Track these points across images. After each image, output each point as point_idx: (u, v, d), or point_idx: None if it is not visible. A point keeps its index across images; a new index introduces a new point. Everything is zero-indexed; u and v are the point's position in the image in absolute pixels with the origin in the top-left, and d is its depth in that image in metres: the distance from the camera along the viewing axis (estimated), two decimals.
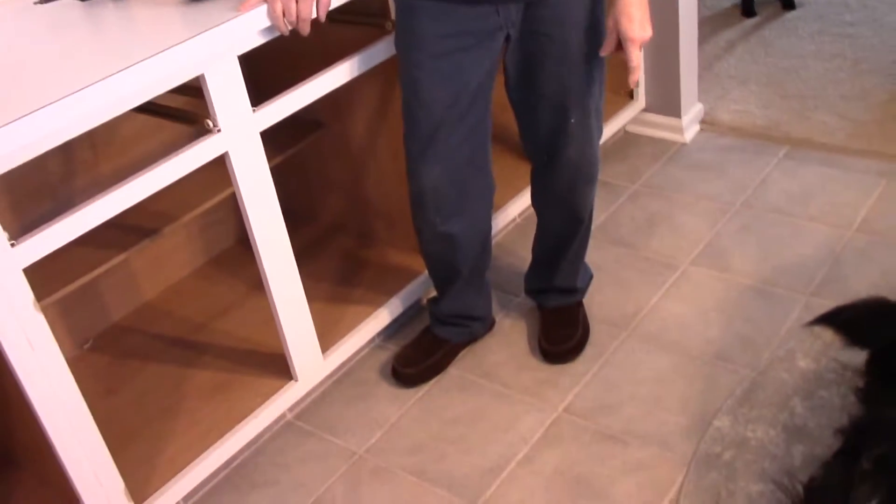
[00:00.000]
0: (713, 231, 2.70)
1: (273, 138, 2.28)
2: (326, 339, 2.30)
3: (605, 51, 1.92)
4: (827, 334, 2.23)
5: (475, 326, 2.38)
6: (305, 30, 1.84)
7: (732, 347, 2.28)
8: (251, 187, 1.94)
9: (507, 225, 2.82)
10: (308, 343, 2.19)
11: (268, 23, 1.82)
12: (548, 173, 2.19)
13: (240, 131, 1.87)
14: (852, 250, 2.54)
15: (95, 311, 2.46)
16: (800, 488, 1.85)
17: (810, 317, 2.28)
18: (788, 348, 2.23)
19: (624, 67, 1.90)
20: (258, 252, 2.01)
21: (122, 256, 2.15)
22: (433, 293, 2.40)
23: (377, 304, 2.43)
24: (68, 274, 2.05)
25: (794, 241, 2.61)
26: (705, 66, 3.52)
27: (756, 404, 2.09)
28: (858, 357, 2.13)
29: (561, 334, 2.35)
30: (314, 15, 1.84)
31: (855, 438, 1.51)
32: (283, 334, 2.13)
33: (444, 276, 2.29)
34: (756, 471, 1.94)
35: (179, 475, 1.99)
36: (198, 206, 2.26)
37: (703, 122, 3.23)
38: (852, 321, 2.22)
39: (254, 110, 1.89)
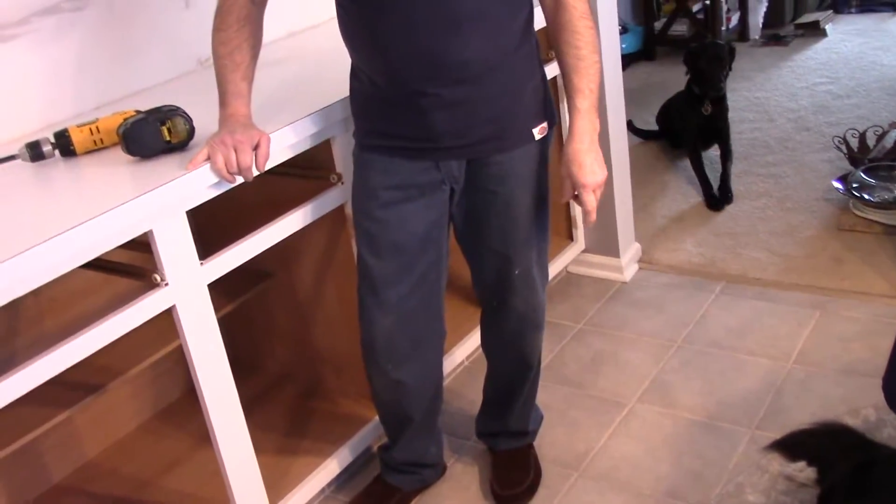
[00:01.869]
0: (657, 367, 2.75)
1: (220, 288, 2.30)
2: (275, 491, 2.25)
3: (563, 198, 1.97)
4: (774, 467, 2.26)
5: (427, 473, 2.36)
6: (249, 177, 1.89)
7: (683, 484, 2.29)
8: (198, 339, 1.94)
9: (456, 368, 2.84)
10: (256, 497, 2.15)
11: (215, 178, 1.88)
12: (496, 319, 2.24)
13: (187, 284, 1.89)
14: (792, 382, 2.60)
15: (35, 471, 2.39)
16: None
17: (756, 450, 2.32)
18: (737, 483, 2.25)
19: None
20: (205, 405, 1.99)
21: (64, 415, 2.10)
22: (384, 440, 2.38)
23: (326, 454, 2.40)
24: (8, 434, 2.00)
25: (736, 375, 2.67)
26: (640, 206, 3.66)
27: None
28: (808, 491, 2.16)
29: (513, 478, 2.34)
30: (253, 164, 1.88)
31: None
32: (231, 489, 2.08)
33: (396, 423, 2.28)
34: None
35: None
36: (144, 359, 2.24)
37: (641, 260, 3.34)
38: (806, 444, 2.26)
39: (201, 263, 1.92)
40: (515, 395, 2.33)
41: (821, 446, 2.21)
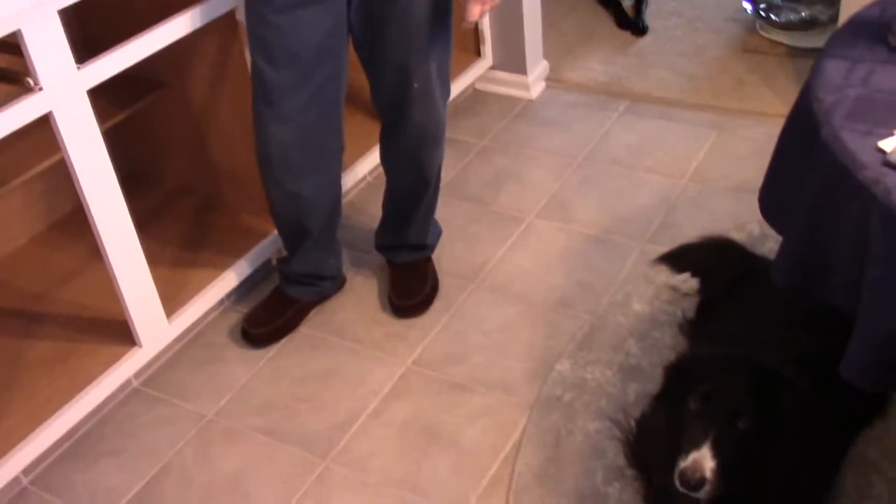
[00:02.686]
0: (558, 184, 2.79)
1: (109, 98, 2.21)
2: (172, 303, 2.26)
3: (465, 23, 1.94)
4: (660, 278, 2.35)
5: (326, 285, 2.39)
6: None
7: (574, 294, 2.37)
8: (81, 149, 1.87)
9: (358, 183, 2.83)
10: (151, 308, 2.15)
11: None
12: (395, 133, 2.21)
13: (64, 90, 1.80)
14: (685, 199, 2.67)
15: None
16: (632, 423, 1.96)
17: (645, 262, 2.41)
18: (625, 293, 2.34)
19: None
20: (92, 217, 1.94)
21: None
22: (283, 253, 2.39)
23: (224, 266, 2.40)
24: None
25: (632, 192, 2.72)
26: (550, 24, 3.59)
27: (595, 347, 2.19)
28: (689, 300, 2.27)
29: (410, 289, 2.38)
30: None
31: (678, 377, 1.60)
32: (124, 300, 2.08)
33: (294, 235, 2.28)
34: (594, 410, 2.04)
35: (15, 449, 1.93)
36: (28, 170, 2.17)
37: (548, 78, 3.31)
38: (691, 257, 2.36)
39: (79, 67, 1.82)
40: (414, 210, 2.34)
41: (704, 259, 2.31)
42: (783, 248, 1.44)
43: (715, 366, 1.57)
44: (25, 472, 2.00)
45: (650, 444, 1.80)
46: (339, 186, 2.24)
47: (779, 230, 1.51)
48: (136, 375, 2.24)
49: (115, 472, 2.03)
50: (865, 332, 1.25)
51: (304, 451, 2.03)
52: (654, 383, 2.06)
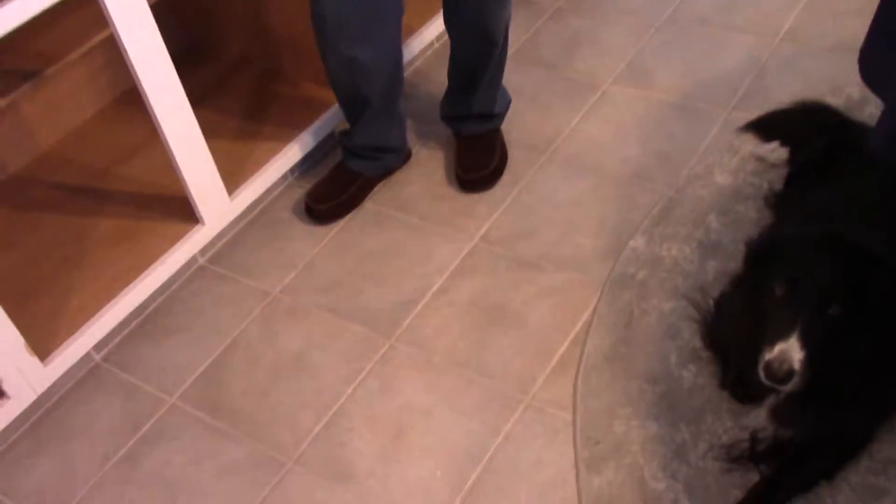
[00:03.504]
0: (637, 47, 2.60)
1: None
2: (233, 179, 2.21)
3: None
4: (746, 148, 2.19)
5: (389, 158, 2.30)
6: None
7: (651, 166, 2.23)
8: (127, 21, 1.78)
9: (425, 50, 2.69)
10: (212, 185, 2.10)
11: None
12: None
13: None
14: (776, 60, 2.46)
15: None
16: (710, 303, 1.86)
17: (730, 131, 2.24)
18: (707, 164, 2.19)
19: None
20: (145, 92, 1.88)
21: (4, 101, 2.00)
22: (346, 125, 2.29)
23: (287, 140, 2.33)
24: None
25: (718, 54, 2.52)
26: None
27: (672, 222, 2.07)
28: (777, 171, 2.11)
29: (478, 162, 2.28)
30: None
31: (761, 260, 1.47)
32: (184, 177, 2.03)
33: (353, 105, 2.18)
34: (669, 288, 1.93)
35: (86, 325, 1.94)
36: (84, 42, 2.10)
37: None
38: (781, 124, 2.19)
39: None
40: (480, 76, 2.20)
41: (796, 126, 2.13)
42: (885, 116, 1.28)
43: (802, 247, 1.43)
44: (97, 348, 2.02)
45: (729, 326, 1.70)
46: (398, 52, 2.11)
47: (881, 95, 1.34)
48: (202, 253, 2.22)
49: (183, 348, 2.04)
50: None
51: (368, 329, 2.00)
52: (735, 261, 1.94)
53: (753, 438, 1.62)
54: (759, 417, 1.60)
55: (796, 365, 1.34)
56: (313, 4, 1.96)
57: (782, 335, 1.35)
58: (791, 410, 1.53)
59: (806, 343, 1.34)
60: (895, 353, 1.47)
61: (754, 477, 1.58)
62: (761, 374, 1.38)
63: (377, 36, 2.02)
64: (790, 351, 1.34)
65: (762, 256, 1.47)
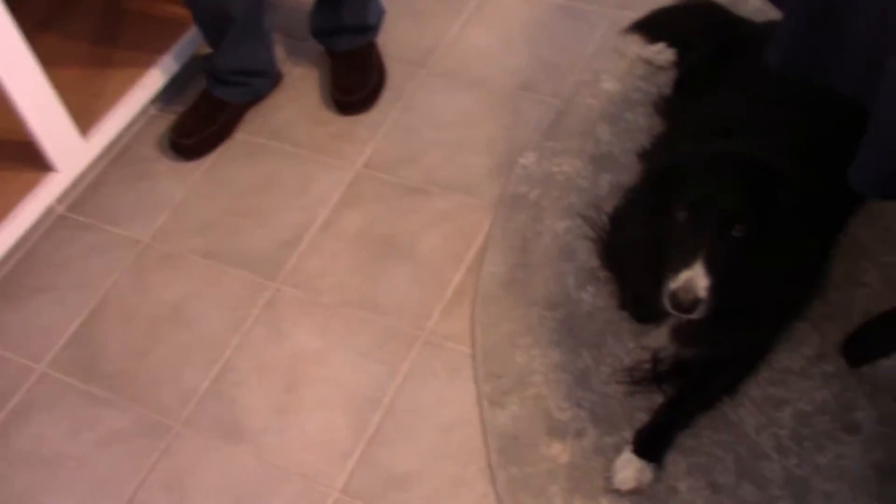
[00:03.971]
0: None
1: None
2: (87, 116, 2.01)
3: None
4: (632, 51, 2.10)
5: (258, 82, 2.12)
6: None
7: (538, 76, 2.12)
8: None
9: None
10: (60, 124, 1.90)
11: None
12: None
13: None
14: None
15: None
16: (605, 219, 1.80)
17: (617, 33, 2.15)
18: (594, 70, 2.10)
19: None
20: None
21: None
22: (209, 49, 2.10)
23: (145, 66, 2.13)
24: None
25: None
26: None
27: (562, 135, 1.98)
28: (666, 75, 2.04)
29: (354, 81, 2.12)
30: None
31: (659, 183, 1.39)
32: (26, 119, 1.83)
33: (213, 24, 1.99)
34: (563, 206, 1.86)
35: None
36: None
37: None
38: (667, 24, 2.11)
39: None
40: None
41: (682, 26, 2.06)
42: (783, 24, 1.20)
43: (703, 169, 1.37)
44: None
45: (626, 246, 1.64)
46: None
47: (777, 1, 1.26)
48: (59, 201, 2.02)
49: (49, 308, 1.87)
50: (881, 136, 1.05)
51: (250, 272, 1.87)
52: (628, 173, 1.88)
53: (655, 359, 1.59)
54: (660, 337, 1.56)
55: (702, 293, 1.29)
56: None
57: (686, 262, 1.30)
58: (692, 330, 1.49)
59: (711, 269, 1.29)
60: (795, 267, 1.45)
61: (659, 398, 1.56)
62: (667, 303, 1.33)
63: None
64: (695, 279, 1.29)
65: (661, 179, 1.40)
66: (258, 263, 1.88)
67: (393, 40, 2.24)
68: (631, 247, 1.59)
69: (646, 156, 1.87)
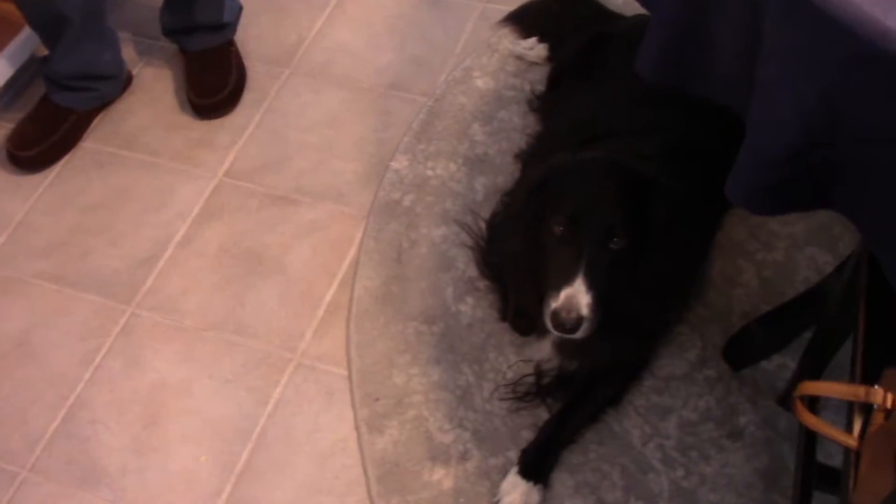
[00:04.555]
0: None
1: None
2: None
3: None
4: (504, 45, 2.03)
5: (105, 87, 1.95)
6: None
7: (407, 73, 2.03)
8: None
9: None
10: None
11: None
12: None
13: None
14: None
15: None
16: (482, 224, 1.73)
17: (487, 26, 2.08)
18: (465, 67, 2.02)
19: None
20: None
21: None
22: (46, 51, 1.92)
23: None
24: None
25: None
26: None
27: (435, 137, 1.90)
28: (538, 70, 1.98)
29: (212, 83, 1.98)
30: None
31: (534, 194, 1.32)
32: None
33: (47, 26, 1.81)
34: (438, 212, 1.78)
35: None
36: None
37: None
38: (537, 17, 2.05)
39: None
40: None
41: (552, 19, 2.00)
42: (652, 31, 1.14)
43: (578, 179, 1.30)
44: None
45: (506, 256, 1.57)
46: None
47: (646, 4, 1.20)
48: None
49: None
50: (756, 147, 1.00)
51: (102, 297, 1.71)
52: (504, 175, 1.82)
53: (539, 372, 1.53)
54: (543, 350, 1.50)
55: (584, 311, 1.23)
56: None
57: (566, 279, 1.23)
58: (575, 341, 1.44)
59: (592, 283, 1.23)
60: (674, 272, 1.41)
61: (543, 415, 1.50)
62: (548, 323, 1.26)
63: None
64: (577, 295, 1.22)
65: (536, 190, 1.33)
66: (111, 286, 1.73)
67: (252, 38, 2.10)
68: (510, 257, 1.53)
69: (522, 157, 1.81)
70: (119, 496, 1.48)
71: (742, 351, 1.51)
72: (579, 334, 1.25)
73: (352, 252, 1.75)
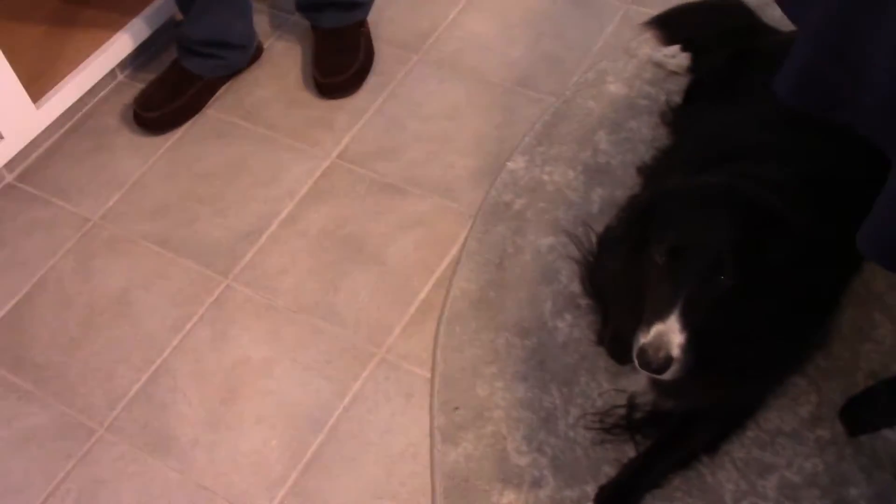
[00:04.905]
0: None
1: None
2: (42, 80, 1.85)
3: None
4: (643, 51, 1.91)
5: (233, 56, 1.95)
6: None
7: (537, 71, 1.94)
8: None
9: None
10: (8, 89, 1.74)
11: None
12: None
13: None
14: None
15: None
16: (594, 240, 1.62)
17: (629, 28, 1.96)
18: (599, 70, 1.91)
19: None
20: None
21: None
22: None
23: (113, 28, 1.97)
24: None
25: None
26: None
27: (557, 140, 1.80)
28: (677, 81, 1.85)
29: (338, 62, 1.95)
30: None
31: (640, 219, 1.21)
32: None
33: None
34: (549, 220, 1.68)
35: None
36: None
37: None
38: (684, 23, 1.92)
39: None
40: None
41: (700, 27, 1.87)
42: (797, 49, 1.02)
43: (687, 206, 1.18)
44: None
45: (609, 276, 1.46)
46: None
47: (794, 18, 1.07)
48: (9, 168, 1.86)
49: None
50: None
51: (202, 265, 1.71)
52: (624, 188, 1.70)
53: (631, 404, 1.42)
54: (638, 381, 1.39)
55: (675, 351, 1.11)
56: None
57: (660, 314, 1.11)
58: (674, 379, 1.32)
59: (687, 322, 1.11)
60: (793, 319, 1.26)
61: (629, 451, 1.39)
62: (635, 359, 1.15)
63: None
64: (668, 333, 1.11)
65: (642, 216, 1.21)
66: (212, 256, 1.72)
67: (386, 20, 2.06)
68: (614, 280, 1.42)
69: (645, 172, 1.69)
70: (186, 467, 1.47)
71: (863, 414, 1.35)
72: (667, 375, 1.13)
73: (453, 251, 1.68)
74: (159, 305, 1.66)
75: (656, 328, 1.11)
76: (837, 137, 1.34)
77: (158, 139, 1.91)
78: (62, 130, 1.94)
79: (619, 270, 1.29)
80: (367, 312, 1.62)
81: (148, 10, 2.00)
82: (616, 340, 1.45)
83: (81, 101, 1.94)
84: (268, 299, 1.65)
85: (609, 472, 1.38)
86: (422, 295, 1.63)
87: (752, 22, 1.81)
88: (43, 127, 1.85)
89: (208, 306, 1.65)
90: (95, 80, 1.94)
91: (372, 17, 2.02)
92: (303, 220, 1.76)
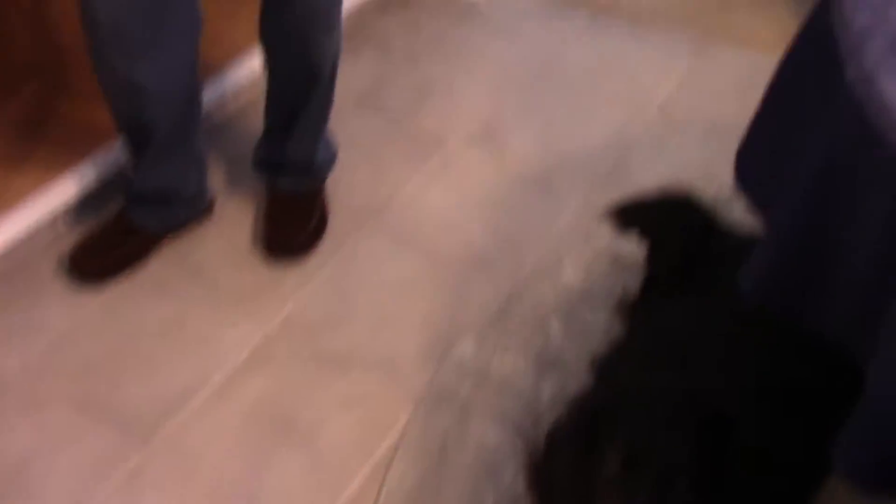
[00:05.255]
0: (494, 106, 2.28)
1: None
2: None
3: None
4: (601, 241, 1.89)
5: (181, 209, 1.88)
6: None
7: (493, 251, 1.90)
8: None
9: (257, 80, 2.29)
10: None
11: None
12: (278, 7, 1.69)
13: None
14: (648, 137, 2.19)
15: None
16: (540, 436, 1.53)
17: (586, 216, 1.95)
18: (557, 256, 1.88)
19: None
20: None
21: None
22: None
23: (61, 169, 1.90)
24: None
25: (584, 123, 2.23)
26: None
27: (509, 325, 1.74)
28: (634, 273, 1.82)
29: (290, 225, 1.90)
30: None
31: (589, 422, 1.14)
32: None
33: (134, 136, 1.77)
34: (495, 411, 1.60)
35: None
36: None
37: None
38: (641, 215, 1.91)
39: None
40: (299, 113, 1.82)
41: (657, 222, 1.85)
42: (763, 245, 0.98)
43: (641, 412, 1.12)
44: None
45: (557, 479, 1.37)
46: (193, 72, 1.71)
47: (760, 211, 1.04)
48: None
49: None
50: (878, 411, 0.81)
51: (119, 432, 1.58)
52: (577, 382, 1.63)
53: None
54: None
55: None
56: (84, 6, 1.55)
57: None
58: None
59: None
60: None
61: None
62: None
63: (167, 52, 1.62)
64: None
65: (591, 421, 1.14)
66: (132, 422, 1.59)
67: (344, 185, 2.03)
68: (560, 481, 1.32)
69: (599, 366, 1.62)
70: None
71: None
72: None
73: (392, 435, 1.58)
74: (65, 475, 1.52)
75: None
76: (802, 342, 1.30)
77: (92, 291, 1.81)
78: None
79: (568, 473, 1.20)
80: (292, 498, 1.49)
81: (98, 157, 1.96)
82: None
83: (15, 247, 1.85)
84: (188, 473, 1.53)
85: None
86: (355, 483, 1.52)
87: (708, 219, 1.80)
88: None
89: (122, 477, 1.52)
90: (32, 224, 1.86)
91: (330, 180, 1.99)
92: (235, 390, 1.65)
